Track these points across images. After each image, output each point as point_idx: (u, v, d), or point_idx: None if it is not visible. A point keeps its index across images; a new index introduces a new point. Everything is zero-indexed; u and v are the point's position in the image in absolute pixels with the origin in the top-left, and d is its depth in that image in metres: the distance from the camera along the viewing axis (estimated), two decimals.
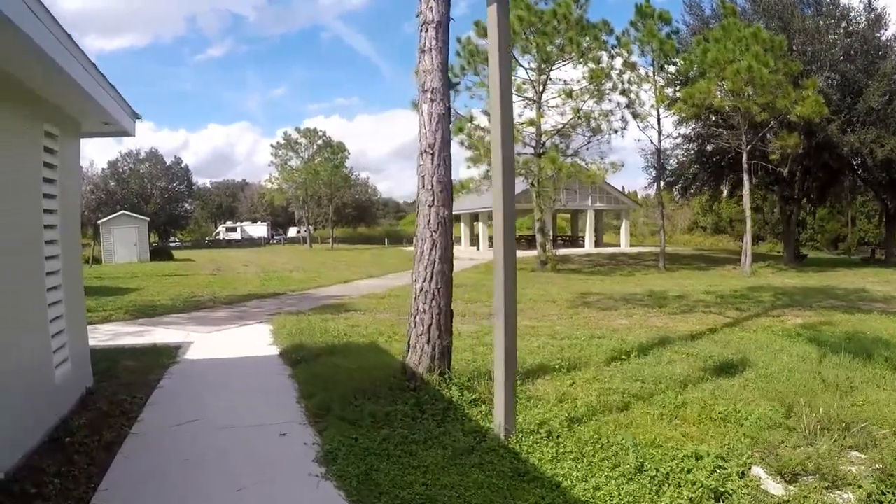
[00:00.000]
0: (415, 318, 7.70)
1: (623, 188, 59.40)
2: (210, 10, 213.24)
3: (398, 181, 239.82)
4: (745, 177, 32.55)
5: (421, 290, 7.63)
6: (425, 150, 7.60)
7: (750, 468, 5.45)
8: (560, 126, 32.63)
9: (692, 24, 39.52)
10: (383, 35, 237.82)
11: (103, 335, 12.97)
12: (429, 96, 7.66)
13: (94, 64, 6.48)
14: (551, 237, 37.57)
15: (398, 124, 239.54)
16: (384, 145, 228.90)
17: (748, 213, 33.39)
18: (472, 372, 8.13)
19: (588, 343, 11.61)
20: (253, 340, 12.33)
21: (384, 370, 8.47)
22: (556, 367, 9.17)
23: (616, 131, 32.99)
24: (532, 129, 32.34)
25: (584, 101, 31.65)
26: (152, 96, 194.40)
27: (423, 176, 7.64)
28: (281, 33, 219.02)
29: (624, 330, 13.50)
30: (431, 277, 7.56)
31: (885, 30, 37.19)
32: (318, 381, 8.29)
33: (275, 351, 11.09)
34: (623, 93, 31.75)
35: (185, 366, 9.96)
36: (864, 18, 37.13)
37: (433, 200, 7.53)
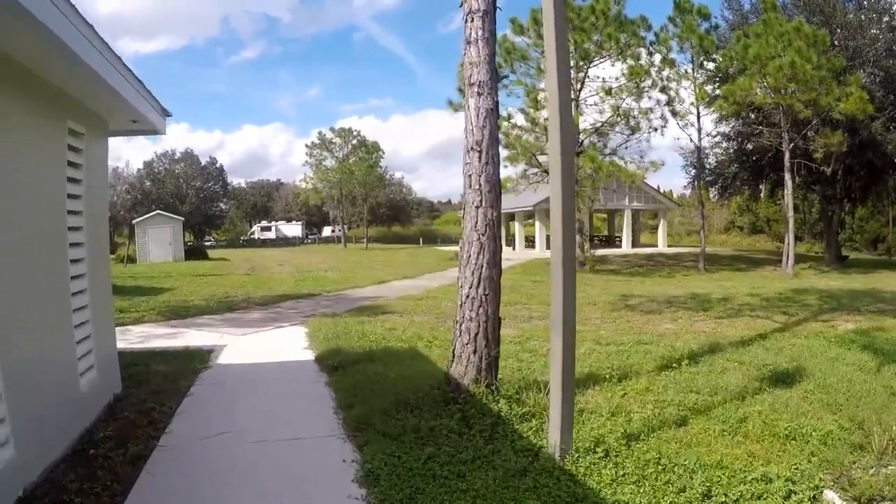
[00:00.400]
0: (460, 326, 7.28)
1: (658, 188, 58.47)
2: (243, 12, 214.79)
3: (432, 181, 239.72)
4: (788, 176, 31.64)
5: (467, 296, 7.21)
6: (472, 148, 7.16)
7: (822, 492, 5.00)
8: (598, 124, 31.96)
9: (731, 20, 38.54)
10: (416, 35, 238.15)
11: (135, 337, 12.74)
12: (475, 90, 7.23)
13: (119, 58, 6.11)
14: (589, 237, 36.68)
15: (432, 124, 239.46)
16: (418, 145, 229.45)
17: (790, 213, 32.46)
18: (518, 382, 7.69)
19: (635, 349, 11.15)
20: (287, 344, 11.98)
21: (426, 380, 8.04)
22: (607, 376, 8.72)
23: (655, 129, 32.22)
24: None
25: (623, 99, 30.95)
26: (187, 98, 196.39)
27: (469, 175, 7.20)
28: (314, 34, 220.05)
29: (670, 335, 12.97)
30: (479, 283, 7.14)
31: None
32: (356, 391, 7.89)
33: (310, 356, 10.71)
34: (662, 90, 31.02)
35: (217, 371, 9.60)
36: None
37: (481, 201, 7.10)
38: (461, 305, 7.29)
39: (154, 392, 8.08)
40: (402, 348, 11.06)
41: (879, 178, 39.97)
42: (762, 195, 47.71)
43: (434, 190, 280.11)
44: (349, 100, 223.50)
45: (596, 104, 32.23)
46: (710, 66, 35.42)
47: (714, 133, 40.51)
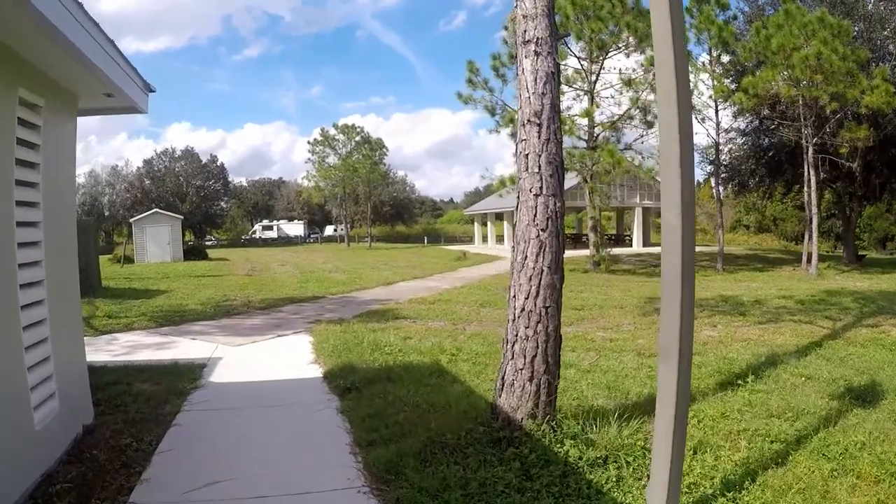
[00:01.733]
0: (512, 346, 5.89)
1: None
2: (245, 11, 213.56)
3: (433, 179, 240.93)
4: (811, 172, 30.32)
5: (522, 309, 5.82)
6: (529, 121, 5.80)
7: None
8: (615, 117, 30.54)
9: (747, 12, 37.36)
10: (418, 33, 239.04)
11: (121, 347, 11.47)
12: (532, 48, 5.85)
13: (81, 6, 4.75)
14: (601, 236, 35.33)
15: (433, 122, 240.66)
16: (420, 144, 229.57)
17: (814, 210, 30.99)
18: (576, 410, 6.41)
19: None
20: (291, 357, 10.60)
21: (464, 409, 6.68)
22: None
23: None
24: (584, 122, 30.39)
25: (640, 91, 29.51)
26: (189, 97, 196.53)
27: (525, 154, 5.83)
28: (316, 33, 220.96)
29: (716, 344, 11.81)
30: (538, 293, 5.76)
31: None
32: (376, 422, 6.52)
33: (317, 372, 9.34)
34: None
35: (209, 392, 8.20)
36: None
37: (541, 188, 5.73)
38: (514, 320, 5.92)
39: (132, 422, 6.72)
40: (424, 363, 9.64)
41: None
42: (779, 192, 46.28)
43: (436, 188, 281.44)
44: (351, 98, 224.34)
45: (613, 97, 30.97)
46: (726, 59, 34.17)
47: (731, 128, 39.29)
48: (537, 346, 5.75)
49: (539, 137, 5.72)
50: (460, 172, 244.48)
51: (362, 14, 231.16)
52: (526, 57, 5.85)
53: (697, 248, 43.16)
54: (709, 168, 41.71)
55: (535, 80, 5.76)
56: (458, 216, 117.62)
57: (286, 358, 10.52)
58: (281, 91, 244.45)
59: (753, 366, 9.41)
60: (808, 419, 6.80)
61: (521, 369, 5.75)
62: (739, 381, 8.37)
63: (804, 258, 32.04)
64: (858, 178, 36.21)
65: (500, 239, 62.69)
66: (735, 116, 36.92)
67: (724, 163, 40.11)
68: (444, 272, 32.01)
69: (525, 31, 5.85)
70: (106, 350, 11.17)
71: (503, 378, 5.94)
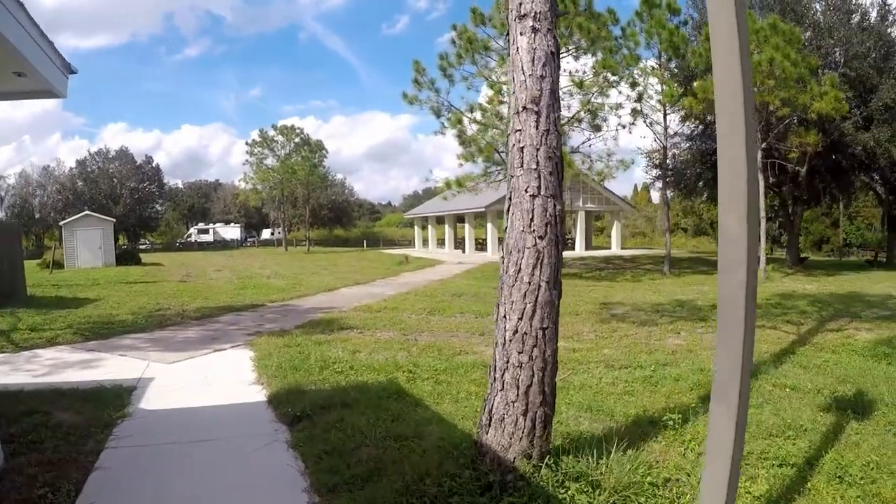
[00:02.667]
0: (502, 374, 5.05)
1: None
2: (187, 10, 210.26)
3: (372, 183, 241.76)
4: (760, 176, 30.18)
5: (515, 331, 4.99)
6: (525, 107, 4.96)
7: None
8: (565, 119, 29.92)
9: (696, 18, 37.41)
10: (361, 36, 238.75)
11: (42, 367, 10.29)
12: (529, 24, 5.03)
13: None
14: None
15: (373, 126, 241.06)
16: (358, 147, 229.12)
17: (762, 213, 31.25)
18: (565, 440, 5.71)
19: (661, 374, 9.41)
20: (230, 376, 9.57)
21: (436, 442, 5.83)
22: (664, 418, 6.90)
23: (624, 126, 30.51)
24: None
25: (592, 94, 29.00)
26: (126, 96, 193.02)
27: (520, 148, 4.98)
28: (258, 33, 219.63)
29: (684, 352, 11.36)
30: (534, 312, 4.96)
31: None
32: (335, 462, 5.58)
33: (261, 395, 8.34)
34: (633, 85, 29.15)
35: (139, 424, 7.11)
36: (875, 13, 35.67)
37: (539, 187, 4.90)
38: (504, 344, 5.09)
39: (49, 464, 5.67)
40: (380, 383, 8.71)
41: (841, 180, 39.97)
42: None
43: (374, 192, 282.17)
44: (291, 100, 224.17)
45: (561, 98, 30.32)
46: (673, 64, 34.17)
47: (674, 133, 39.39)
48: (533, 375, 4.94)
49: (537, 127, 4.90)
50: (398, 176, 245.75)
51: (305, 15, 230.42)
52: (521, 34, 5.02)
53: (639, 251, 43.81)
54: (654, 172, 41.75)
55: (533, 60, 4.93)
56: (397, 220, 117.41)
57: (225, 377, 9.49)
58: (220, 92, 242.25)
59: None
60: (809, 437, 6.42)
61: (514, 402, 4.91)
62: None
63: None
64: (803, 182, 36.72)
65: (441, 243, 62.08)
66: (682, 121, 36.84)
67: (670, 167, 40.12)
68: (386, 277, 31.04)
69: (521, 5, 5.03)
70: (25, 370, 10.01)
71: (491, 412, 5.08)
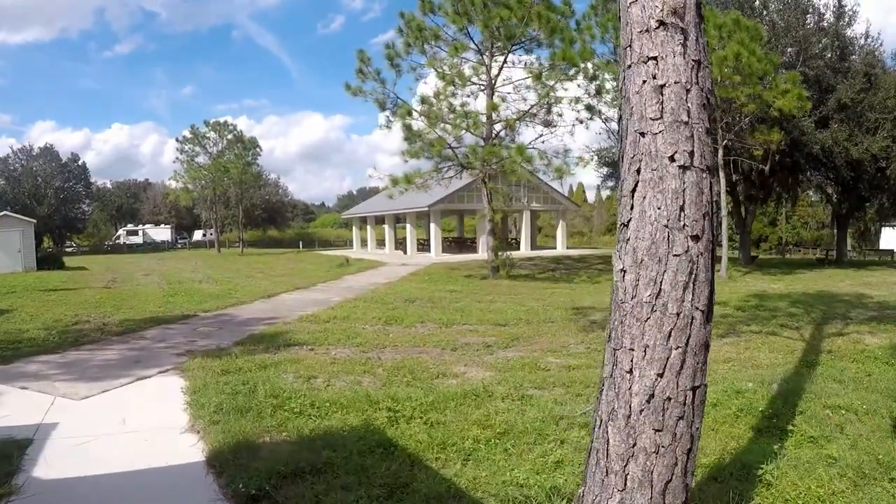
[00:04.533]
0: (623, 466, 3.16)
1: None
2: (119, 5, 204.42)
3: (305, 183, 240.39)
4: (721, 174, 29.30)
5: (650, 395, 3.13)
6: (663, 22, 3.15)
7: None
8: (519, 114, 28.30)
9: None
10: (295, 36, 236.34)
11: None
12: None
13: None
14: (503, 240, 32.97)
15: (306, 126, 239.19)
16: (291, 147, 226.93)
17: (724, 212, 30.99)
18: None
19: None
20: (156, 418, 7.50)
21: None
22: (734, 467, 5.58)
23: (581, 122, 29.29)
24: (484, 117, 28.04)
25: (550, 87, 27.44)
26: (55, 94, 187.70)
27: (658, 87, 3.15)
28: (191, 31, 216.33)
29: None
30: (683, 362, 3.11)
31: (854, 25, 36.80)
32: None
33: (197, 451, 6.29)
34: (593, 78, 27.66)
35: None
36: (832, 14, 36.29)
37: (691, 153, 3.05)
38: (628, 417, 3.23)
39: None
40: (355, 429, 6.70)
41: (795, 179, 40.50)
42: None
43: (307, 192, 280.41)
44: (224, 100, 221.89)
45: (515, 91, 28.89)
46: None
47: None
48: (675, 463, 3.07)
49: (685, 55, 3.06)
50: (332, 176, 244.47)
51: (239, 13, 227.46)
52: None
53: (586, 251, 42.75)
54: (605, 170, 40.80)
55: None
56: (332, 220, 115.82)
57: (150, 420, 7.40)
58: (151, 90, 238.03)
59: (770, 397, 7.84)
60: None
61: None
62: (778, 423, 6.85)
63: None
64: (757, 181, 36.62)
65: (380, 244, 60.14)
66: None
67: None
68: (328, 281, 28.91)
69: None
70: None
71: None
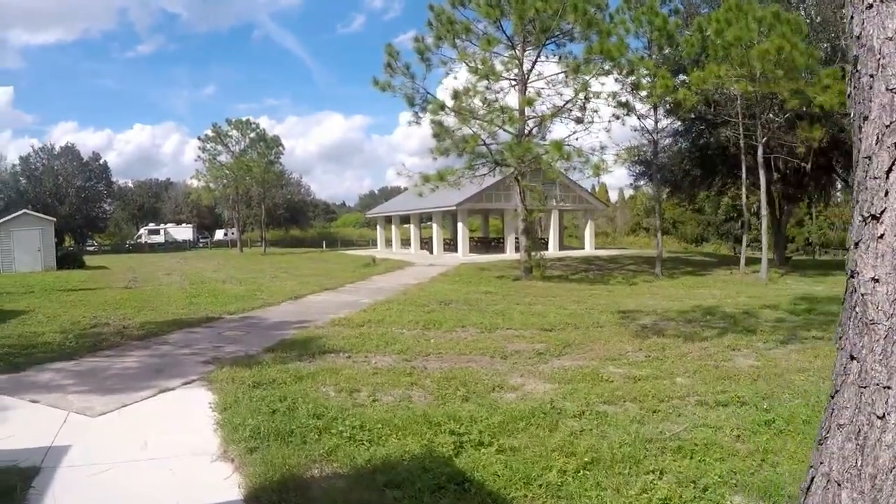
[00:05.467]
0: None
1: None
2: (141, 6, 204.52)
3: (325, 183, 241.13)
4: (762, 172, 28.39)
5: None
6: None
7: None
8: (556, 109, 27.24)
9: (681, 10, 35.45)
10: (316, 35, 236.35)
11: None
12: None
13: None
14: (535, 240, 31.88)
15: (327, 126, 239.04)
16: (312, 147, 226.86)
17: (764, 212, 29.54)
18: None
19: (780, 414, 7.09)
20: (182, 441, 6.52)
21: None
22: None
23: (618, 118, 28.11)
24: (517, 113, 27.03)
25: (587, 80, 26.34)
26: (78, 94, 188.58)
27: None
28: (211, 31, 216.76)
29: (771, 377, 9.23)
30: None
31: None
32: None
33: (232, 486, 5.26)
34: (630, 72, 26.55)
35: None
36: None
37: None
38: (873, 479, 2.22)
39: None
40: (418, 459, 5.66)
41: (829, 177, 40.05)
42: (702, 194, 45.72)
43: (327, 192, 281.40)
44: (244, 99, 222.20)
45: (551, 86, 27.81)
46: (656, 55, 31.98)
47: (670, 126, 37.37)
48: None
49: None
50: (352, 176, 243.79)
51: (260, 13, 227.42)
52: None
53: (616, 251, 41.65)
54: (638, 168, 39.70)
55: None
56: (354, 219, 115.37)
57: (176, 444, 6.40)
58: (173, 91, 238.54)
59: None
60: None
61: None
62: None
63: (742, 262, 31.90)
64: (792, 179, 35.71)
65: (405, 243, 59.17)
66: (666, 115, 34.67)
67: (658, 163, 38.43)
68: (356, 281, 27.87)
69: None
70: None
71: None
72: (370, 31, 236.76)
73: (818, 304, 18.04)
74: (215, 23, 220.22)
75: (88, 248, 78.05)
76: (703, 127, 35.62)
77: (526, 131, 27.00)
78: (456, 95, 25.44)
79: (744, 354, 11.11)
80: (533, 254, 28.62)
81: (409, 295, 21.17)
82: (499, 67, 26.81)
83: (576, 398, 7.88)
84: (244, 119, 67.72)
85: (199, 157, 66.88)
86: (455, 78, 27.36)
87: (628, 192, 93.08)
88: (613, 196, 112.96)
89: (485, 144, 25.99)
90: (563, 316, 15.86)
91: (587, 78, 25.76)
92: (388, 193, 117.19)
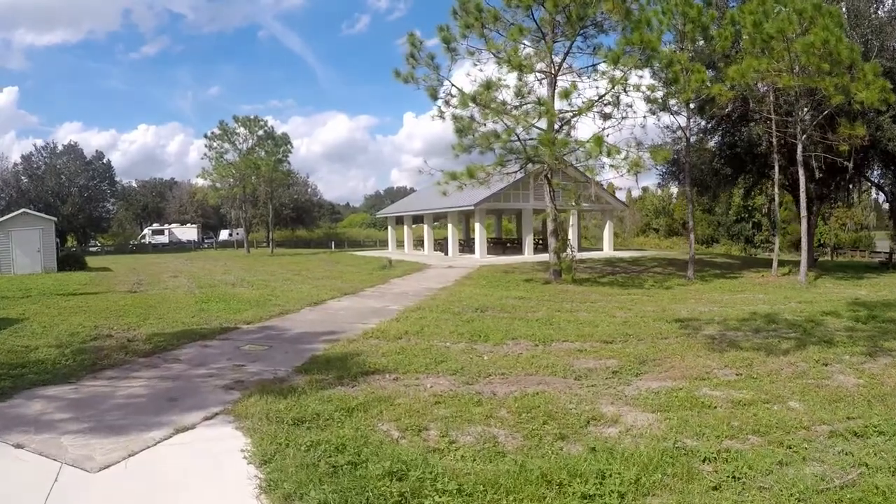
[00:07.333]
0: None
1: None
2: (146, 7, 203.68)
3: (330, 183, 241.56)
4: (801, 171, 26.96)
5: None
6: None
7: None
8: (590, 102, 25.50)
9: (713, 2, 33.97)
10: (320, 36, 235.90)
11: None
12: None
13: None
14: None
15: (331, 126, 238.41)
16: (317, 147, 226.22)
17: (804, 213, 28.39)
18: None
19: None
20: None
21: None
22: None
23: (654, 113, 27.00)
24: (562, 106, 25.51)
25: (625, 72, 24.70)
26: (82, 94, 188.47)
27: None
28: (216, 32, 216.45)
29: (886, 397, 8.22)
30: None
31: None
32: None
33: None
34: (669, 64, 24.91)
35: None
36: None
37: None
38: None
39: None
40: None
41: (860, 177, 38.31)
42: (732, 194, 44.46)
43: (332, 193, 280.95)
44: (249, 100, 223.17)
45: (583, 78, 26.26)
46: (688, 47, 30.47)
47: (707, 124, 36.20)
48: None
49: None
50: (356, 177, 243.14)
51: (265, 14, 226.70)
52: None
53: (636, 253, 40.14)
54: (665, 168, 38.46)
55: None
56: (360, 220, 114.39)
57: None
58: (177, 91, 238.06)
59: None
60: None
61: None
62: None
63: (775, 264, 30.87)
64: (826, 178, 34.93)
65: (418, 244, 57.55)
66: (699, 111, 33.23)
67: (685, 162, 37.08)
68: (375, 285, 26.19)
69: None
70: None
71: None
72: (375, 32, 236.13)
73: (877, 309, 16.78)
74: (220, 24, 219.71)
75: (91, 249, 76.83)
76: (732, 124, 34.23)
77: (558, 126, 25.47)
78: (488, 86, 23.81)
79: (839, 370, 10.01)
80: (563, 255, 26.95)
81: (439, 301, 19.52)
82: (528, 59, 25.31)
83: (690, 432, 6.62)
84: (252, 116, 66.00)
85: (205, 154, 65.48)
86: (481, 70, 25.71)
87: (636, 193, 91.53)
88: (620, 197, 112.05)
89: (518, 140, 24.37)
90: (615, 325, 14.34)
91: (626, 69, 24.14)
92: (394, 194, 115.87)
